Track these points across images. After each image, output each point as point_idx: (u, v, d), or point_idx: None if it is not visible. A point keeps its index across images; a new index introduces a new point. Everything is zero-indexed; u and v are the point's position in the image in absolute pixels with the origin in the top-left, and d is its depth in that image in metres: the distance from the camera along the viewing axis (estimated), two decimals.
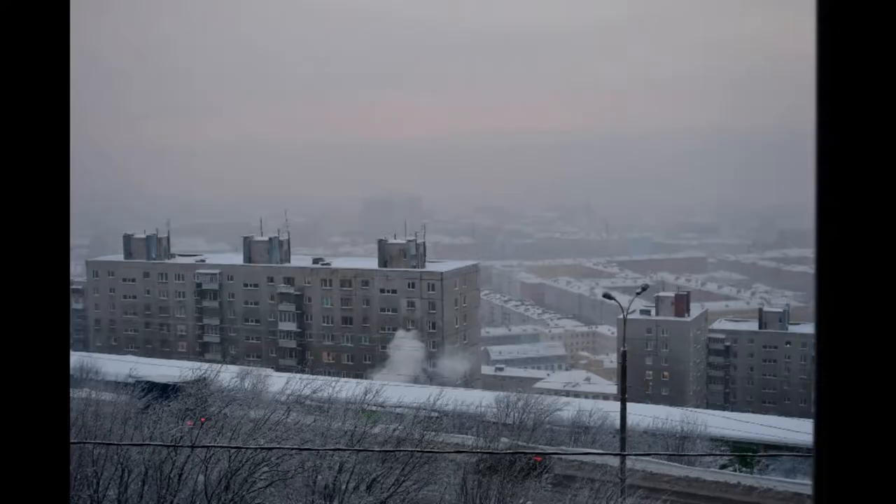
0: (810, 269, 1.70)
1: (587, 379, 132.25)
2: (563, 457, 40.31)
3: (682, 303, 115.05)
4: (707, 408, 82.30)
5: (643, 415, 51.45)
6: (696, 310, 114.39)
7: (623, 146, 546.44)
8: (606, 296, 54.30)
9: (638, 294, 51.72)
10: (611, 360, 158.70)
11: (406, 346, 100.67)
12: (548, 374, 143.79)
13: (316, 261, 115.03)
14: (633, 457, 40.20)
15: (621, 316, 48.80)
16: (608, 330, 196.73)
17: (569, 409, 51.14)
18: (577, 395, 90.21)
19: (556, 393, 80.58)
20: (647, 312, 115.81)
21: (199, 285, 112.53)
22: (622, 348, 44.52)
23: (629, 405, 41.34)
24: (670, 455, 46.84)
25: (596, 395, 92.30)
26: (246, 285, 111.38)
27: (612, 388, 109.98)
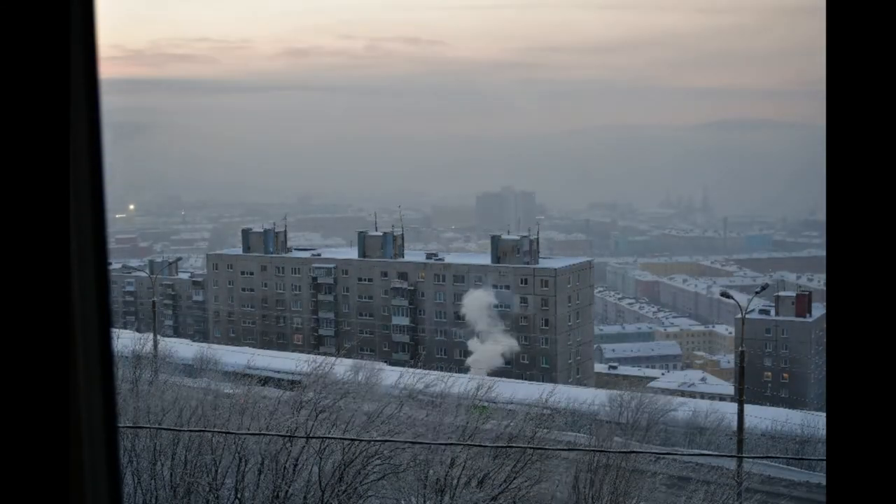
0: None
1: (703, 379, 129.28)
2: (677, 458, 39.58)
3: (803, 303, 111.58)
4: None
5: (761, 417, 50.22)
6: (818, 310, 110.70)
7: (741, 140, 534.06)
8: (724, 294, 53.09)
9: (757, 293, 50.41)
10: (728, 361, 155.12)
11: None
12: (662, 374, 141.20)
13: (429, 256, 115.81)
14: (751, 460, 39.21)
15: (739, 315, 47.61)
16: (725, 330, 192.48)
17: (684, 410, 50.27)
18: (692, 395, 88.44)
19: (671, 392, 79.05)
20: (767, 312, 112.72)
21: (314, 279, 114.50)
22: (740, 348, 43.46)
23: (747, 407, 40.36)
24: (789, 459, 45.56)
25: (712, 396, 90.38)
26: (360, 280, 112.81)
27: (729, 389, 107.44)
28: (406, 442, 26.79)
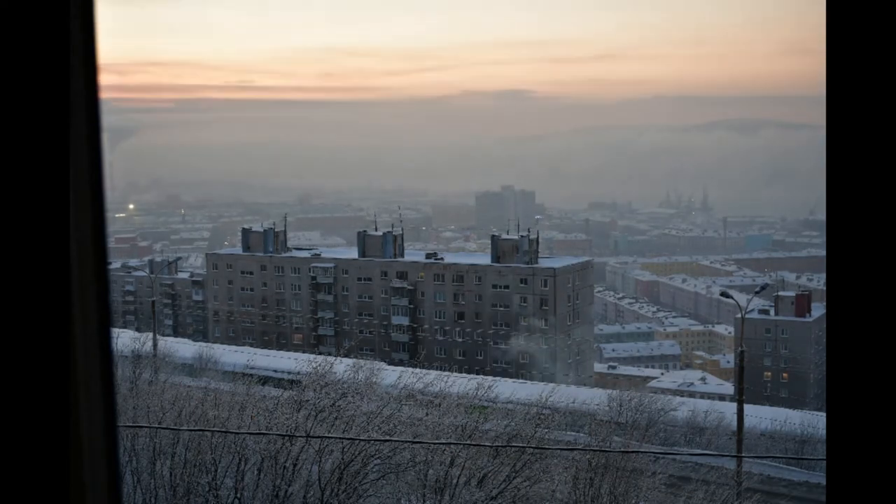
0: None
1: (702, 379, 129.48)
2: (677, 458, 39.59)
3: (803, 303, 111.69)
4: None
5: (761, 416, 50.21)
6: (817, 310, 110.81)
7: (741, 140, 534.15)
8: (724, 294, 53.09)
9: (757, 293, 50.42)
10: (727, 361, 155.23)
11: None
12: (662, 374, 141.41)
13: (429, 256, 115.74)
14: (751, 459, 39.22)
15: (739, 315, 47.62)
16: (725, 329, 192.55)
17: (683, 409, 50.23)
18: (692, 395, 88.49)
19: (671, 392, 79.15)
20: (766, 312, 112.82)
21: (314, 279, 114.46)
22: (740, 348, 43.45)
23: (746, 407, 40.36)
24: (789, 459, 45.56)
25: (712, 396, 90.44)
26: (360, 279, 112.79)
27: (729, 389, 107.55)
28: (406, 441, 26.80)
